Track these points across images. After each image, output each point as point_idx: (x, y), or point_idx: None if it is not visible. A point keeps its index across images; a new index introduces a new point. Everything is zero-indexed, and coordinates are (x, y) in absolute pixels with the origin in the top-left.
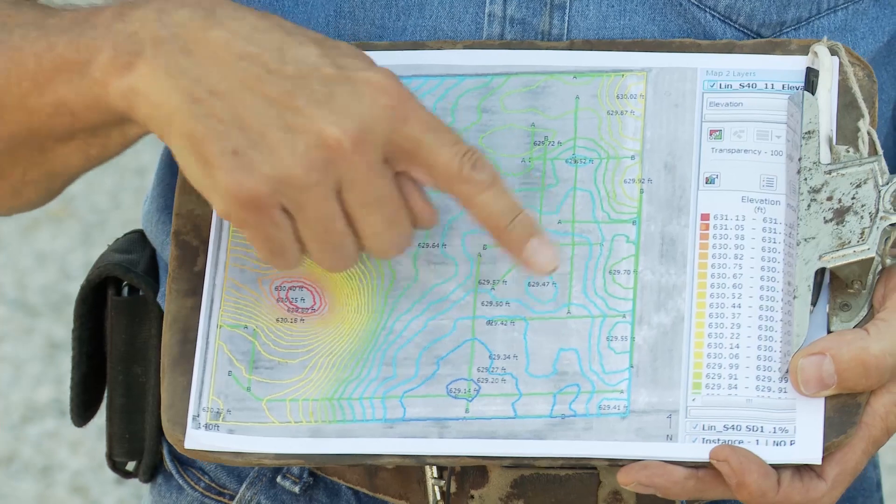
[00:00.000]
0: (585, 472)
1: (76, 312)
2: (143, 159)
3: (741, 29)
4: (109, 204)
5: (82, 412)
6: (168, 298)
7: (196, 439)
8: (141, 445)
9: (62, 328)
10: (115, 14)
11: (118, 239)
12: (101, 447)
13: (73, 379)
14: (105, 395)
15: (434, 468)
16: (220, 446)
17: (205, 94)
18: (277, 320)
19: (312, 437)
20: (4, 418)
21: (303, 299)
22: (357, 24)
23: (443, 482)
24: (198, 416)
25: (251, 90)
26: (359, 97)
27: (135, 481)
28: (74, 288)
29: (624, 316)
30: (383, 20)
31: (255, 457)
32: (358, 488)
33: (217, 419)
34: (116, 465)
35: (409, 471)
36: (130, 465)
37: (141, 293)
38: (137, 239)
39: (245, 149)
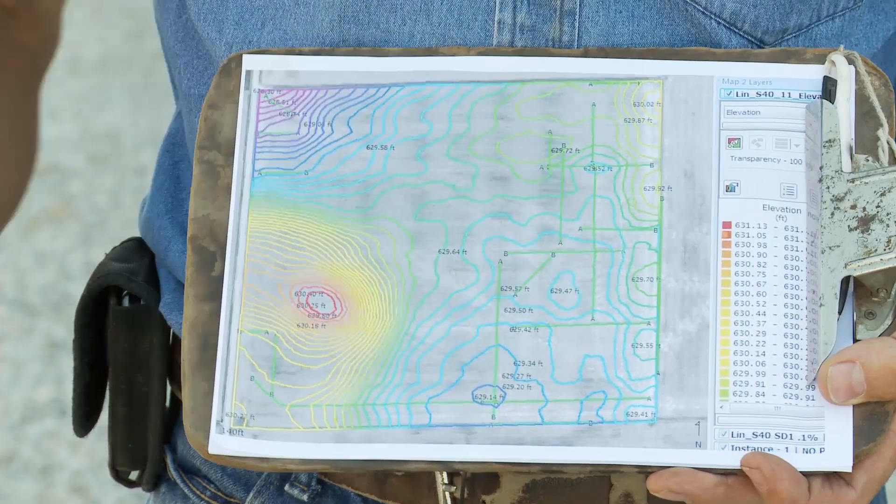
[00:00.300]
0: (597, 476)
1: (77, 322)
2: (143, 159)
3: (746, 36)
4: (109, 204)
5: (84, 422)
6: (186, 303)
7: (220, 444)
8: (144, 454)
9: (62, 328)
10: None
11: (115, 248)
12: (101, 447)
13: (75, 389)
14: (107, 403)
15: (445, 473)
16: (246, 451)
17: None
18: (298, 325)
19: (338, 443)
20: (4, 418)
21: (323, 305)
22: (362, 28)
23: (454, 488)
24: (221, 420)
25: None
26: None
27: None
28: (74, 287)
29: (648, 323)
30: (388, 24)
31: (281, 462)
32: (367, 495)
33: (241, 424)
34: (119, 475)
35: (419, 477)
36: (133, 475)
37: (142, 302)
38: (135, 247)
39: None
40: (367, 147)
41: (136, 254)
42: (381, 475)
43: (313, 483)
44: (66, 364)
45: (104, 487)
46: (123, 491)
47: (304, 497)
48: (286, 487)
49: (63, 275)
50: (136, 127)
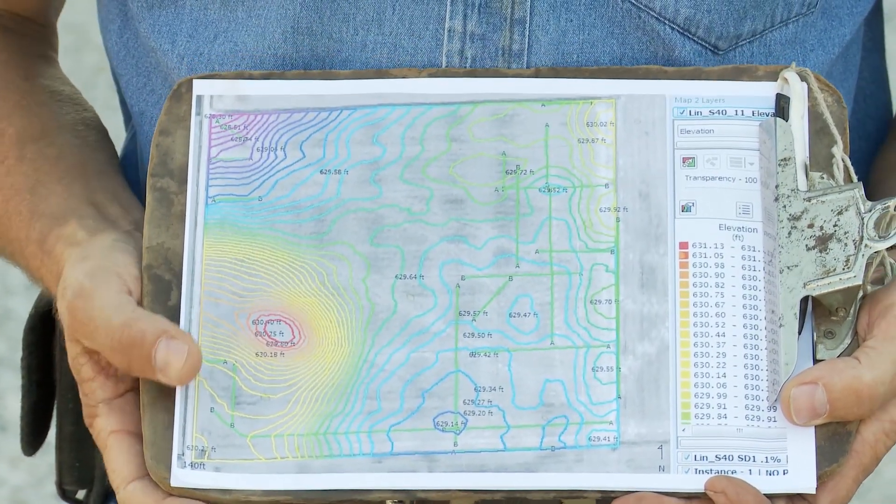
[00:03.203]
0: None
1: (25, 341)
2: None
3: (700, 41)
4: None
5: (32, 440)
6: None
7: (181, 479)
8: (91, 473)
9: (2, 344)
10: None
11: None
12: (42, 463)
13: (22, 408)
14: (54, 422)
15: None
16: (208, 484)
17: None
18: (257, 354)
19: (300, 473)
20: None
21: (281, 332)
22: (315, 38)
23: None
24: (182, 454)
25: None
26: None
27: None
28: (14, 303)
29: (608, 346)
30: (341, 34)
31: (244, 494)
32: None
33: (202, 457)
34: (66, 494)
35: None
36: (80, 494)
37: None
38: None
39: None
40: (321, 172)
41: None
42: None
43: None
44: (6, 380)
45: (44, 503)
46: None
47: None
48: None
49: (4, 290)
50: None
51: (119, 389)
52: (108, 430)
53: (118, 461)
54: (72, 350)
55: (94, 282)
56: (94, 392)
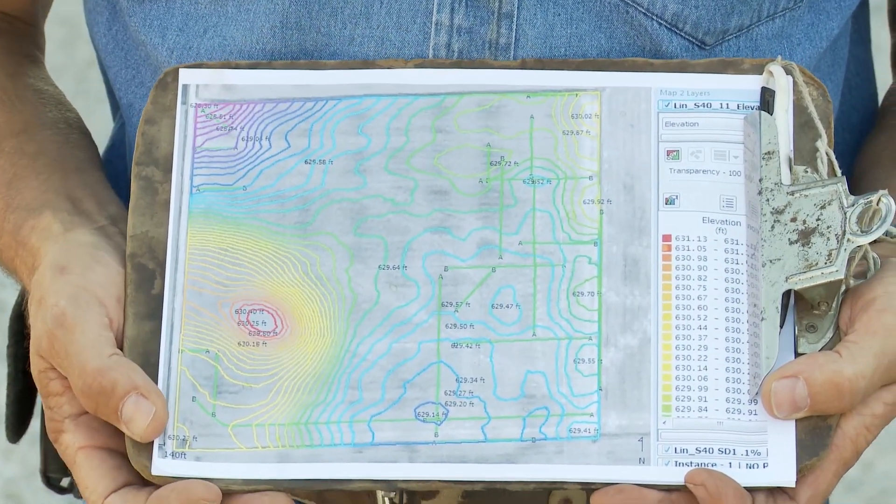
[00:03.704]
0: None
1: (10, 329)
2: None
3: (687, 37)
4: None
5: (17, 428)
6: (126, 322)
7: (162, 468)
8: None
9: None
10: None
11: None
12: (34, 454)
13: (8, 396)
14: (39, 410)
15: None
16: (188, 474)
17: None
18: (239, 344)
19: (280, 463)
20: None
21: (264, 322)
22: (303, 33)
23: (393, 494)
24: (164, 444)
25: None
26: None
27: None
28: (6, 295)
29: (590, 338)
30: (329, 28)
31: (224, 483)
32: (306, 502)
33: (183, 447)
34: (51, 482)
35: None
36: (65, 481)
37: None
38: None
39: None
40: (306, 161)
41: None
42: None
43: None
44: None
45: (37, 495)
46: (56, 498)
47: None
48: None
49: None
50: None
51: None
52: (75, 447)
53: (90, 477)
54: (39, 364)
55: (77, 311)
56: (62, 407)
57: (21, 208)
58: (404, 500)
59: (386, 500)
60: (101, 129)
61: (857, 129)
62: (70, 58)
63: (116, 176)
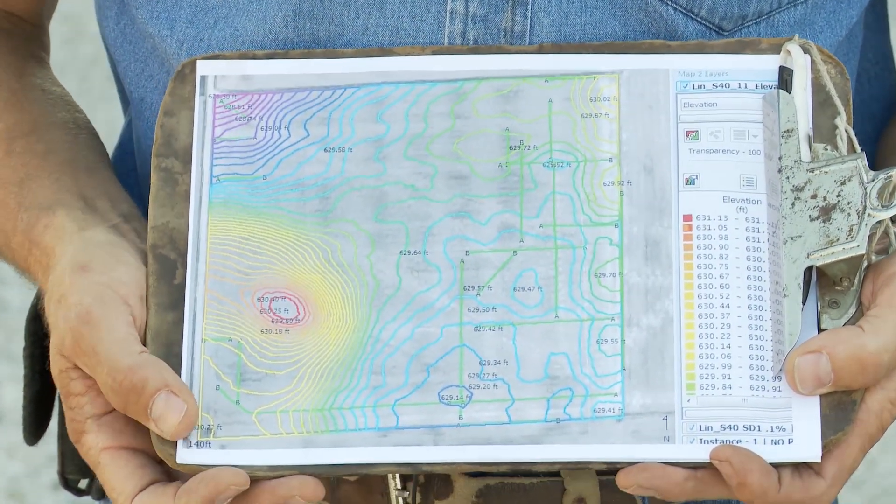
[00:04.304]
0: (550, 480)
1: (27, 330)
2: None
3: (703, 22)
4: None
5: (35, 430)
6: (148, 313)
7: (187, 457)
8: None
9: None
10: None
11: None
12: (38, 453)
13: (25, 397)
14: (56, 411)
15: (397, 479)
16: (213, 461)
17: None
18: (262, 332)
19: (305, 448)
20: None
21: (286, 310)
22: (316, 22)
23: (407, 493)
24: (188, 434)
25: None
26: None
27: None
28: (10, 294)
29: (612, 319)
30: (342, 18)
31: (249, 469)
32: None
33: (208, 436)
34: (69, 483)
35: (371, 482)
36: (83, 483)
37: None
38: None
39: None
40: (325, 150)
41: None
42: (334, 480)
43: None
44: (2, 370)
45: (40, 493)
46: (60, 497)
47: None
48: None
49: None
50: None
51: (109, 406)
52: (99, 447)
53: (116, 478)
54: (60, 363)
55: (103, 309)
56: (83, 407)
57: (33, 207)
58: (418, 500)
59: (400, 499)
60: (104, 127)
61: (877, 118)
62: (73, 55)
63: (126, 174)
